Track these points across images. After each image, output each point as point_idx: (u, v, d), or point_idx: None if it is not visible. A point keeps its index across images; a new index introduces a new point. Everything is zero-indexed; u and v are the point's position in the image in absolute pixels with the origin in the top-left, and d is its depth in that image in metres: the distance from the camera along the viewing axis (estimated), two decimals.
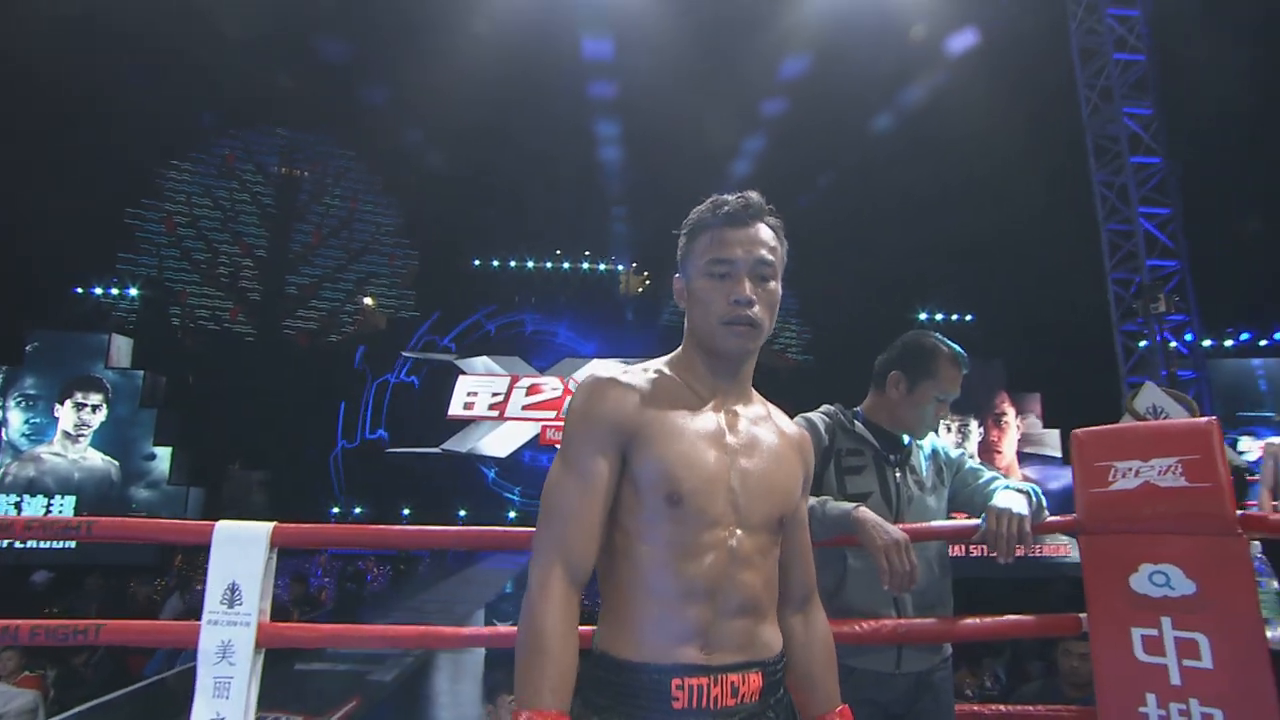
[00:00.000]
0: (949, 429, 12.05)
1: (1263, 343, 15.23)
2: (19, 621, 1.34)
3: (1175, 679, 1.43)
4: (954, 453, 1.83)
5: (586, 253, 27.02)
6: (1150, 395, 1.94)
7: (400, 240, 34.02)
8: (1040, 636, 2.60)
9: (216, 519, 1.50)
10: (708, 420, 1.10)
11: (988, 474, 1.75)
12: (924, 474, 1.74)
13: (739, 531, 1.05)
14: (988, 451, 12.39)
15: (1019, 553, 1.47)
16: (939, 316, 21.72)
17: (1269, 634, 1.40)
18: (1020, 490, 1.58)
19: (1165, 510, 1.50)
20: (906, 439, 1.75)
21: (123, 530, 1.42)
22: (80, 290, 17.56)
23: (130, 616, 6.91)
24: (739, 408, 1.14)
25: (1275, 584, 1.57)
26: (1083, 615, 1.60)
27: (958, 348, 1.76)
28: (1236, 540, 1.43)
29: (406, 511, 17.73)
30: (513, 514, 17.97)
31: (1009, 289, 19.99)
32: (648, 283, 28.99)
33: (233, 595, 1.40)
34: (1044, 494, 1.68)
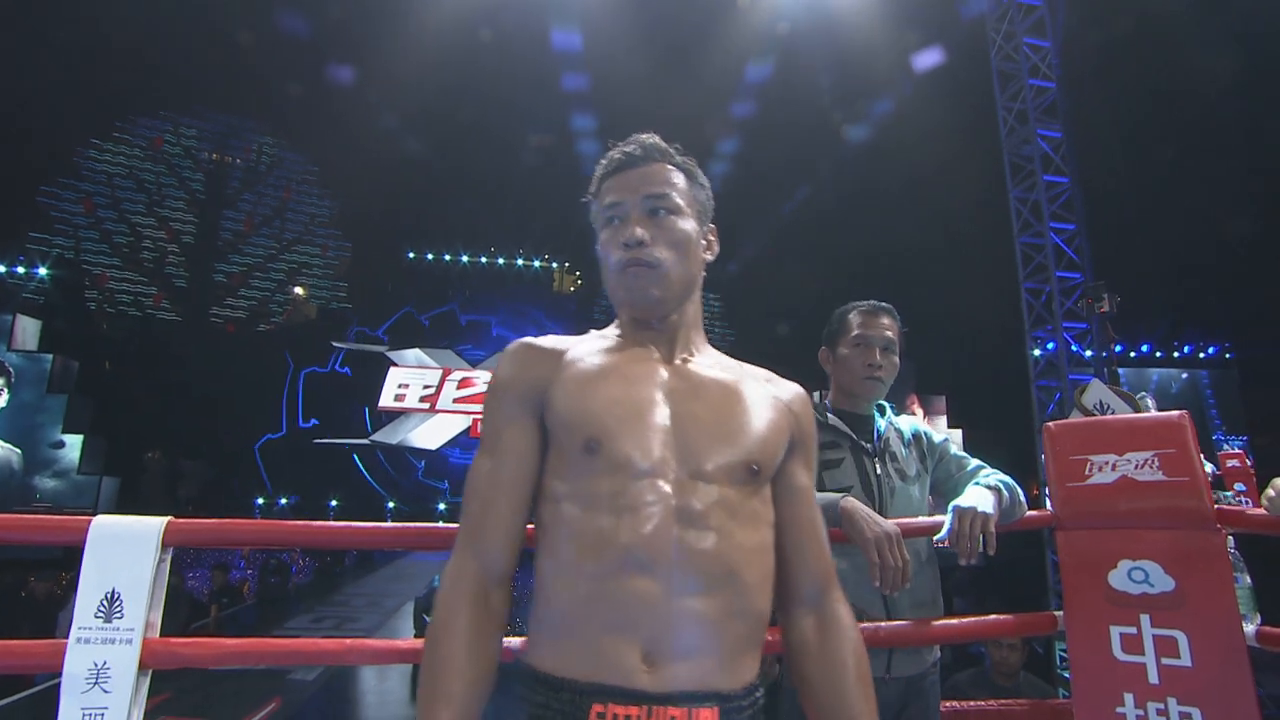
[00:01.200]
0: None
1: (1159, 354, 16.37)
2: None
3: (1154, 678, 1.36)
4: (937, 438, 1.71)
5: (520, 249, 26.80)
6: (1097, 392, 1.91)
7: (333, 232, 33.05)
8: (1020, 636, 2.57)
9: (132, 511, 1.27)
10: (639, 364, 0.94)
11: (972, 463, 1.64)
12: (905, 462, 1.63)
13: (692, 483, 0.83)
14: None
15: (984, 552, 1.37)
16: None
17: (1245, 629, 1.35)
18: (991, 486, 1.48)
19: (1143, 505, 1.44)
20: (881, 425, 1.65)
21: None
22: None
23: (27, 615, 6.32)
24: (694, 358, 0.98)
25: (1248, 579, 1.53)
26: (1058, 613, 1.53)
27: (872, 301, 1.68)
28: (1215, 535, 1.38)
29: (334, 503, 17.11)
30: (442, 505, 17.61)
31: (925, 295, 20.80)
32: (580, 281, 28.90)
33: (111, 606, 1.18)
34: None
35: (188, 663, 1.23)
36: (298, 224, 32.87)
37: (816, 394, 1.70)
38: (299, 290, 29.58)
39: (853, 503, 1.36)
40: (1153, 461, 1.46)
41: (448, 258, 26.68)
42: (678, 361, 0.96)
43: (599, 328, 1.05)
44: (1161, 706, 1.36)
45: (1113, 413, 2.08)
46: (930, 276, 20.47)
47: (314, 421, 18.16)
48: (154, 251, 30.07)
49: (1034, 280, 7.02)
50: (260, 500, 17.27)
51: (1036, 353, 7.21)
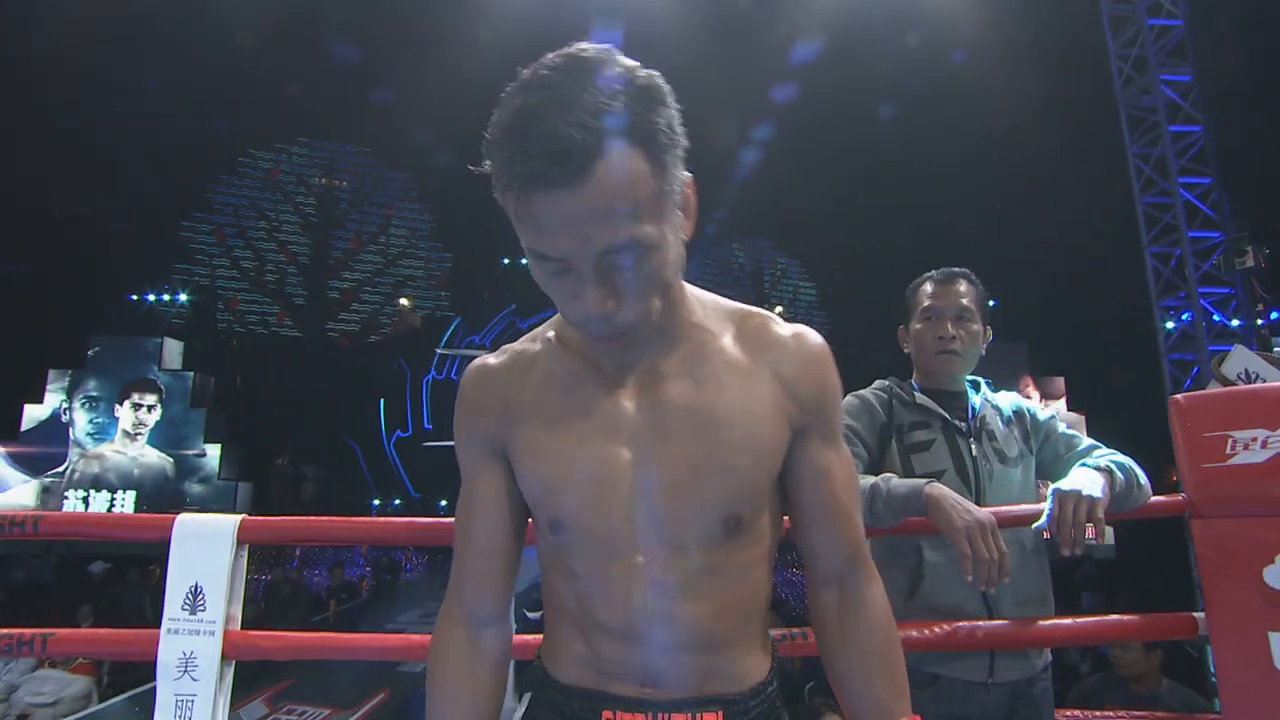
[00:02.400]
0: None
1: None
2: None
3: None
4: (1042, 415, 1.52)
5: None
6: (1241, 359, 1.64)
7: (434, 244, 34.81)
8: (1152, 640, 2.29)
9: (265, 512, 1.34)
10: (602, 400, 0.78)
11: (1084, 442, 1.45)
12: (1005, 442, 1.46)
13: (664, 553, 0.76)
14: None
15: (1091, 538, 1.19)
16: None
17: None
18: (1101, 468, 1.29)
19: None
20: (976, 403, 1.49)
21: (71, 527, 1.27)
22: (136, 297, 18.29)
23: (156, 603, 7.04)
24: (663, 359, 0.78)
25: None
26: (1199, 615, 1.32)
27: (946, 268, 1.53)
28: None
29: (444, 503, 18.01)
30: None
31: (1031, 269, 19.21)
32: None
33: (195, 599, 1.23)
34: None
35: (265, 655, 1.27)
36: (400, 239, 34.90)
37: (894, 379, 1.56)
38: (404, 301, 31.32)
39: (939, 489, 1.22)
40: None
41: None
42: (656, 367, 0.79)
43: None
44: None
45: (1261, 382, 1.80)
46: (1038, 248, 19.00)
47: (422, 428, 19.15)
48: (275, 273, 32.82)
49: (1161, 244, 6.32)
50: (376, 501, 18.40)
51: (1170, 325, 6.51)
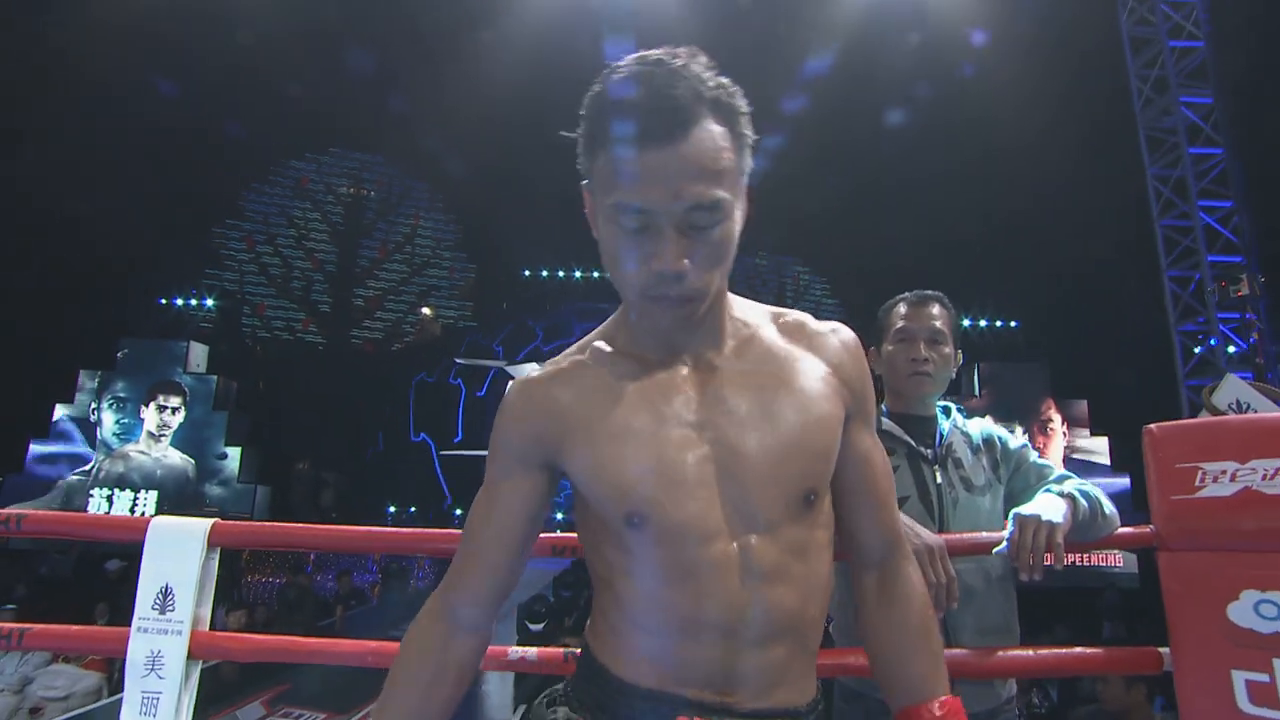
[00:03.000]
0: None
1: None
2: None
3: None
4: (1014, 444, 1.52)
5: None
6: (1233, 389, 1.61)
7: (459, 254, 35.27)
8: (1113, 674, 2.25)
9: (284, 517, 1.38)
10: (667, 394, 0.80)
11: (1055, 472, 1.44)
12: (972, 469, 1.46)
13: (751, 538, 0.77)
14: None
15: (1049, 564, 1.18)
16: (982, 321, 20.82)
17: None
18: (1065, 494, 1.28)
19: (1275, 525, 1.19)
20: (945, 429, 1.49)
21: (50, 525, 1.32)
22: (165, 301, 18.79)
23: None
24: (716, 351, 0.82)
25: None
26: (1164, 651, 1.30)
27: (919, 290, 1.54)
28: None
29: (459, 512, 18.13)
30: (559, 515, 18.11)
31: (1053, 291, 18.87)
32: None
33: (165, 599, 1.27)
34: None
35: (230, 656, 1.30)
36: (425, 248, 35.41)
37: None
38: (426, 310, 31.72)
39: None
40: None
41: (561, 274, 27.73)
42: (709, 360, 0.82)
43: None
44: None
45: (1253, 413, 1.77)
46: (1062, 269, 18.72)
47: (432, 436, 19.32)
48: (302, 280, 33.47)
49: (1180, 267, 6.21)
50: (392, 509, 18.57)
51: (1198, 349, 6.38)
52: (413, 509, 18.53)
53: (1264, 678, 1.15)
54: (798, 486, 0.78)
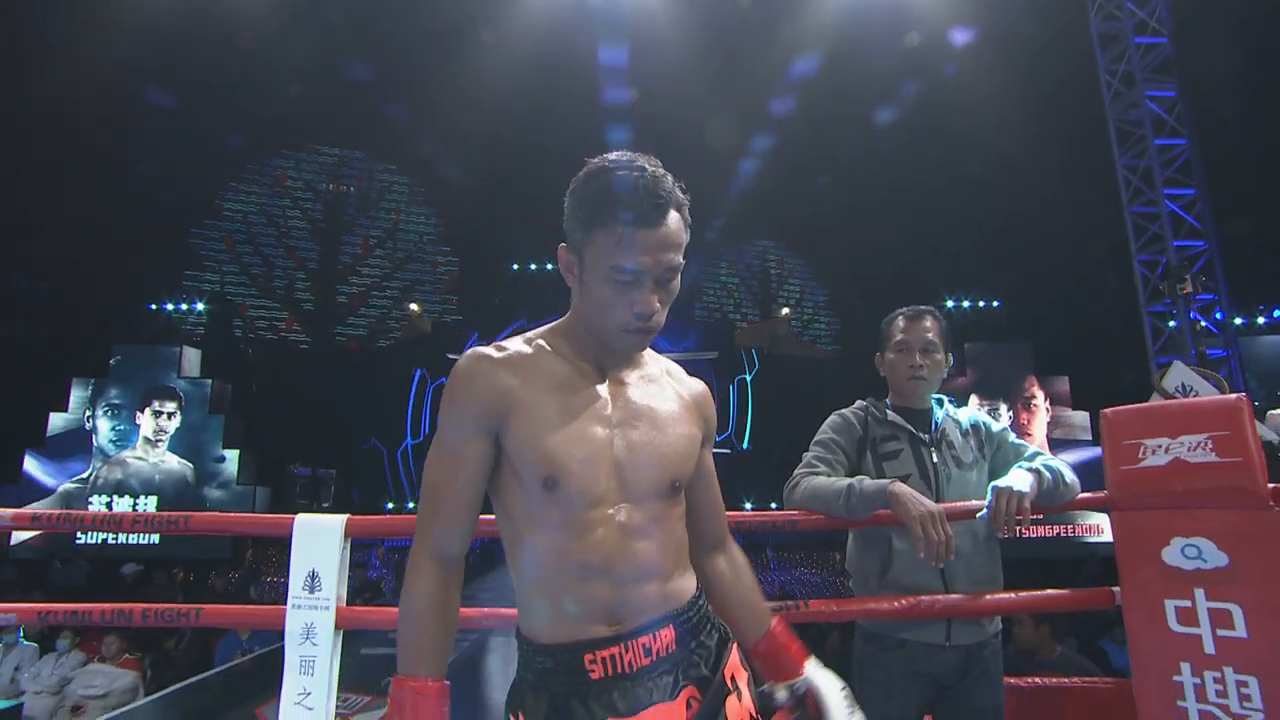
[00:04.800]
0: (980, 408, 11.98)
1: None
2: (134, 605, 1.52)
3: (1209, 648, 1.45)
4: (995, 427, 1.85)
5: None
6: (1179, 374, 1.94)
7: (442, 248, 35.02)
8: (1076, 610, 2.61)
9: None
10: (589, 394, 1.06)
11: (1029, 449, 1.78)
12: (962, 450, 1.78)
13: (626, 506, 1.03)
14: (1018, 435, 12.29)
15: (1018, 529, 1.52)
16: (965, 303, 21.30)
17: None
18: (1033, 469, 1.61)
19: (1196, 485, 1.52)
20: (939, 418, 1.80)
21: (214, 524, 1.59)
22: (155, 307, 18.66)
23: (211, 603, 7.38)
24: (627, 373, 1.11)
25: None
26: (1116, 589, 1.63)
27: (914, 306, 1.86)
28: (1269, 513, 1.45)
29: None
30: None
31: (1035, 273, 19.43)
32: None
33: (313, 582, 1.56)
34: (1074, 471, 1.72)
35: (370, 625, 1.59)
36: (407, 243, 35.14)
37: (871, 399, 1.88)
38: (414, 306, 31.61)
39: (900, 486, 1.53)
40: (1206, 444, 1.53)
41: (550, 266, 27.81)
42: (621, 378, 1.10)
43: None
44: (1218, 675, 1.44)
45: (1195, 394, 2.11)
46: (1045, 253, 19.21)
47: (424, 431, 19.45)
48: (284, 279, 33.07)
49: (1149, 252, 6.59)
50: (390, 505, 18.73)
51: (1173, 324, 6.77)
52: (410, 505, 18.71)
53: (1187, 603, 1.48)
54: (668, 475, 1.06)
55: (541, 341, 1.10)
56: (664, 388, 1.13)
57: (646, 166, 1.00)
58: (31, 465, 12.97)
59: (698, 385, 1.20)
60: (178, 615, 1.48)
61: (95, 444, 13.33)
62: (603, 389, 1.07)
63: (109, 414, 13.63)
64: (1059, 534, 11.18)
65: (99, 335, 14.92)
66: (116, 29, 17.13)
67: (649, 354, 1.16)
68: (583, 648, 1.00)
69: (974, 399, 12.41)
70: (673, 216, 1.00)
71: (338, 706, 1.58)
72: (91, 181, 20.20)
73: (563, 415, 1.03)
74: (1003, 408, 12.33)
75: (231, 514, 1.68)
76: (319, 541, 1.57)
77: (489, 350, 1.07)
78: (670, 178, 1.02)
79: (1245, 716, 1.39)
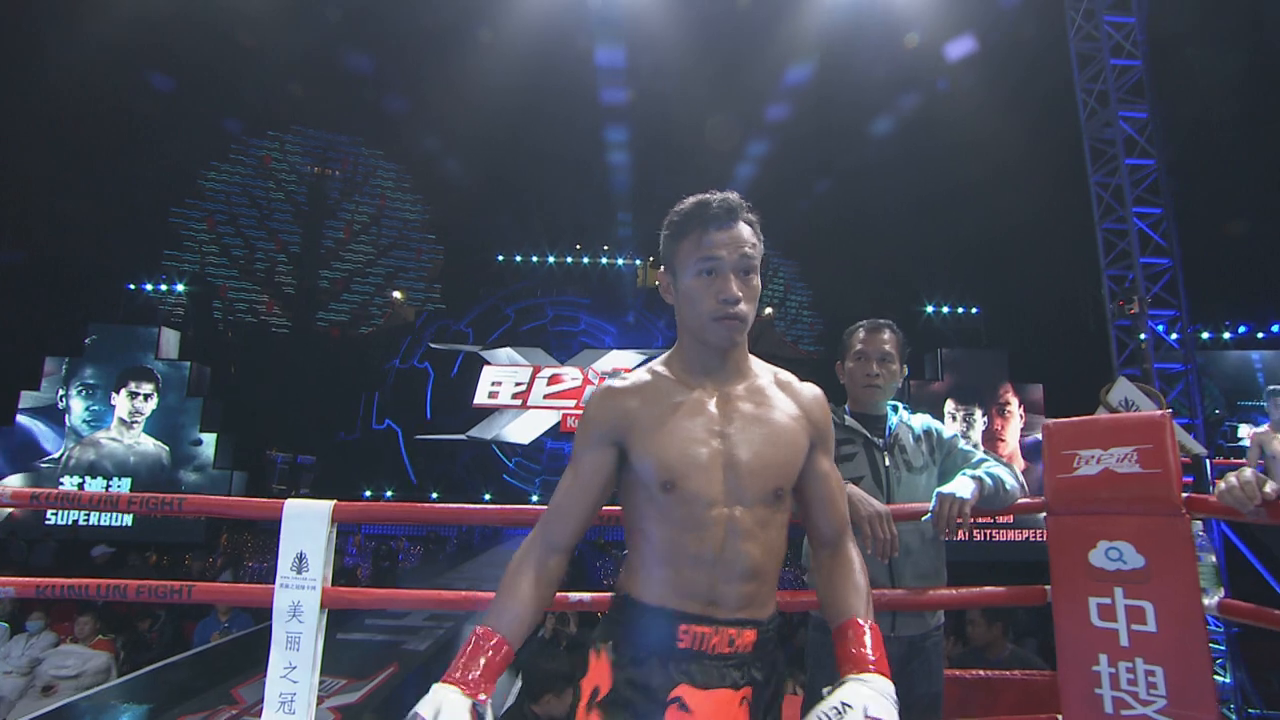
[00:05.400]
0: (953, 418, 12.22)
1: (1260, 335, 15.21)
2: (127, 582, 1.61)
3: (1124, 641, 1.59)
4: (947, 434, 1.97)
5: (605, 248, 27.49)
6: (1123, 389, 2.09)
7: (426, 236, 34.76)
8: (1012, 605, 2.77)
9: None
10: (700, 409, 1.20)
11: (977, 456, 1.91)
12: (913, 454, 1.91)
13: (737, 509, 1.15)
14: (991, 440, 12.48)
15: (960, 534, 1.65)
16: (945, 309, 21.69)
17: (1205, 601, 1.55)
18: (975, 476, 1.74)
19: (1121, 494, 1.65)
20: (893, 423, 1.93)
21: (208, 507, 1.67)
22: (133, 287, 18.35)
23: None
24: (734, 388, 1.23)
25: (1212, 558, 1.72)
26: (1048, 587, 1.77)
27: (874, 319, 1.98)
28: (1181, 520, 1.59)
29: (435, 495, 18.28)
30: (535, 498, 18.40)
31: (1013, 283, 19.89)
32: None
33: (300, 563, 1.65)
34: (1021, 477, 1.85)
35: (354, 605, 1.69)
36: (392, 230, 34.83)
37: (830, 405, 2.00)
38: (397, 294, 31.41)
39: (851, 488, 1.66)
40: (1132, 456, 1.67)
41: (535, 259, 27.71)
42: (729, 392, 1.22)
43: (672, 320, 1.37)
44: (1130, 665, 1.58)
45: (1137, 409, 2.26)
46: (1021, 265, 19.61)
47: (407, 420, 19.41)
48: (266, 262, 32.62)
49: (1117, 267, 6.81)
50: (368, 493, 18.68)
51: (1142, 337, 6.98)
52: (389, 493, 18.68)
53: (1107, 601, 1.62)
54: (771, 483, 1.18)
55: (657, 368, 1.27)
56: (772, 398, 1.25)
57: (719, 193, 1.22)
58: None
59: (809, 392, 1.30)
60: (171, 592, 1.57)
61: (68, 424, 13.13)
62: (712, 403, 1.21)
63: (83, 394, 13.41)
64: (1027, 538, 11.49)
65: (75, 314, 14.68)
66: (103, 6, 16.83)
67: (758, 364, 1.29)
68: (680, 617, 1.14)
69: (950, 403, 12.65)
70: (744, 225, 1.20)
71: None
72: (73, 158, 19.85)
73: (677, 429, 1.18)
74: (978, 413, 12.58)
75: (224, 498, 1.76)
76: (307, 525, 1.66)
77: (613, 381, 1.26)
78: (741, 201, 1.22)
79: (1151, 702, 1.53)
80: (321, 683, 4.08)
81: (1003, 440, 12.56)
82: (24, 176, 17.76)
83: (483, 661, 1.05)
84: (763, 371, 1.29)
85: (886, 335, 1.93)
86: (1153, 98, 6.81)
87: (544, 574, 1.19)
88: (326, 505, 1.68)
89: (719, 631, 1.14)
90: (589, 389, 17.34)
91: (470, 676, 1.03)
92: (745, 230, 1.20)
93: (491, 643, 1.08)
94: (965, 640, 3.29)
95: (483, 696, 1.03)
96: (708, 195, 1.22)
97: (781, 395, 1.27)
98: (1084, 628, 1.65)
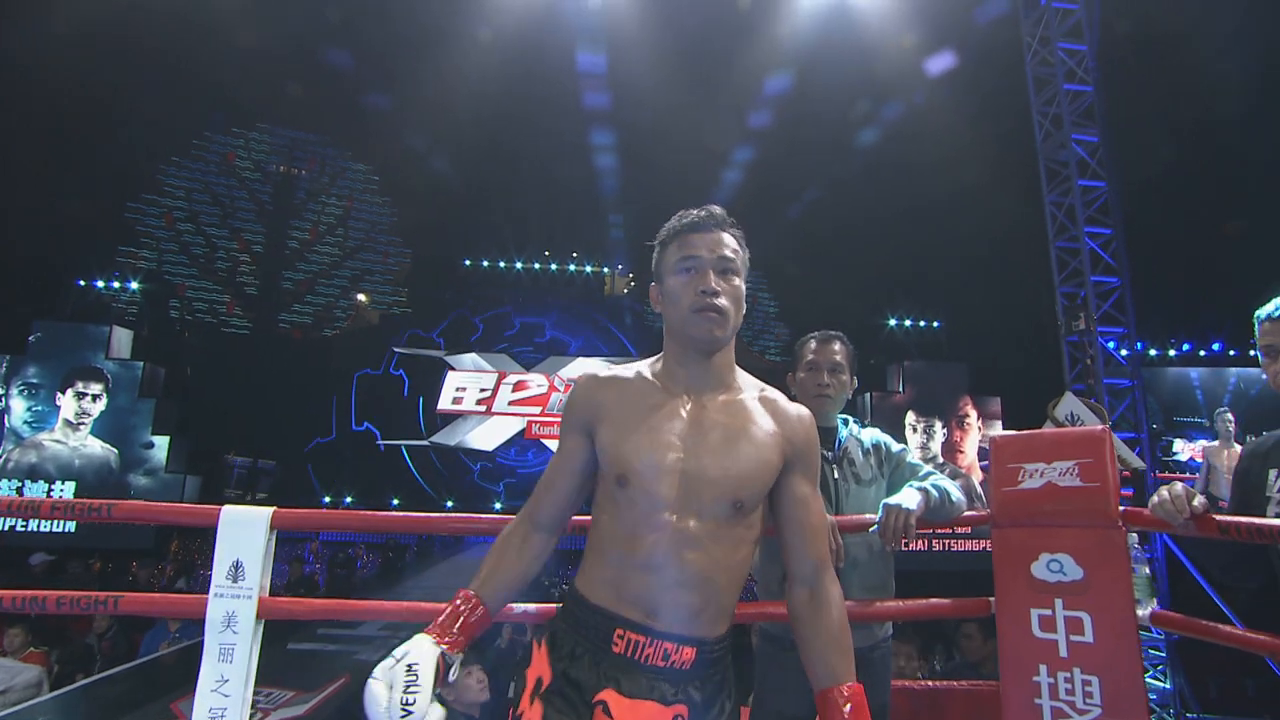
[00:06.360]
0: (914, 429, 12.47)
1: (1202, 353, 15.91)
2: (46, 592, 1.53)
3: (1063, 652, 1.62)
4: (895, 448, 2.00)
5: (574, 254, 27.50)
6: (1069, 404, 2.14)
7: (394, 239, 34.36)
8: (957, 617, 2.82)
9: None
10: (671, 412, 1.21)
11: (924, 469, 1.94)
12: (861, 468, 1.93)
13: (690, 519, 1.14)
14: (951, 451, 12.74)
15: (905, 540, 1.67)
16: (908, 322, 22.18)
17: (1139, 612, 1.60)
18: (922, 488, 1.76)
19: (1063, 507, 1.69)
20: (843, 436, 1.95)
21: (139, 513, 1.60)
22: (83, 283, 17.70)
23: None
24: (711, 397, 1.23)
25: (1146, 570, 1.76)
26: (992, 599, 1.79)
27: (825, 331, 2.01)
28: (1118, 532, 1.63)
29: (396, 502, 17.94)
30: (498, 505, 18.17)
31: (975, 297, 20.42)
32: (632, 283, 29.35)
33: (236, 571, 1.59)
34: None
35: (290, 616, 1.63)
36: (359, 232, 34.33)
37: None
38: (361, 297, 30.93)
39: None
40: (1073, 470, 1.71)
41: (503, 265, 27.57)
42: (704, 400, 1.23)
43: (652, 331, 1.40)
44: (1068, 675, 1.61)
45: (1081, 423, 2.32)
46: (981, 280, 20.14)
47: (369, 425, 19.09)
48: (227, 261, 31.88)
49: (1070, 284, 7.02)
50: (326, 499, 18.25)
51: (1096, 353, 7.20)
52: (348, 500, 18.28)
53: (1048, 612, 1.66)
54: (729, 495, 1.16)
55: (643, 368, 1.30)
56: (750, 411, 1.24)
57: (704, 207, 1.29)
58: None
59: (794, 411, 1.28)
60: (95, 603, 1.49)
61: (8, 424, 12.58)
62: (685, 409, 1.22)
63: (25, 394, 12.86)
64: (984, 548, 11.70)
65: (18, 310, 14.10)
66: None
67: (745, 379, 1.30)
68: (618, 621, 1.15)
69: (911, 415, 12.88)
70: (725, 234, 1.26)
71: (260, 700, 1.61)
72: (22, 148, 19.11)
73: (641, 427, 1.19)
74: (938, 425, 12.84)
75: (157, 503, 1.69)
76: (244, 532, 1.61)
77: (597, 371, 1.31)
78: (725, 214, 1.29)
79: (1087, 712, 1.56)
80: (268, 694, 3.96)
81: (961, 452, 12.81)
82: None
83: (460, 621, 1.13)
84: (748, 386, 1.30)
85: (837, 346, 1.95)
86: (1103, 123, 7.07)
87: (526, 548, 1.25)
88: (265, 512, 1.63)
89: (654, 643, 1.13)
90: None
91: (445, 630, 1.11)
92: (726, 237, 1.25)
93: (470, 604, 1.15)
94: (957, 653, 3.29)
95: (453, 649, 1.10)
96: (690, 209, 1.29)
97: (761, 410, 1.26)
98: (1025, 638, 1.68)
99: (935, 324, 23.32)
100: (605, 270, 29.09)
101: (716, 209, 1.28)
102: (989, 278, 20.18)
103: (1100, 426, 1.73)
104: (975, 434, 12.95)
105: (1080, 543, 1.66)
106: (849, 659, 1.17)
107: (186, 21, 20.11)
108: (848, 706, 1.11)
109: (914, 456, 1.99)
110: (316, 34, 24.31)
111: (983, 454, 12.37)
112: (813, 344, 1.98)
